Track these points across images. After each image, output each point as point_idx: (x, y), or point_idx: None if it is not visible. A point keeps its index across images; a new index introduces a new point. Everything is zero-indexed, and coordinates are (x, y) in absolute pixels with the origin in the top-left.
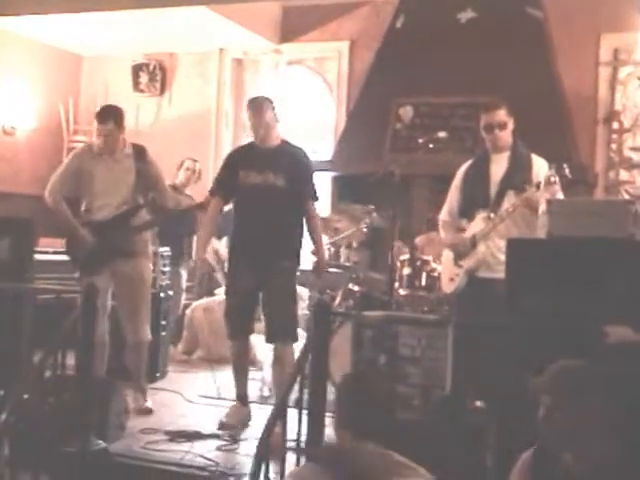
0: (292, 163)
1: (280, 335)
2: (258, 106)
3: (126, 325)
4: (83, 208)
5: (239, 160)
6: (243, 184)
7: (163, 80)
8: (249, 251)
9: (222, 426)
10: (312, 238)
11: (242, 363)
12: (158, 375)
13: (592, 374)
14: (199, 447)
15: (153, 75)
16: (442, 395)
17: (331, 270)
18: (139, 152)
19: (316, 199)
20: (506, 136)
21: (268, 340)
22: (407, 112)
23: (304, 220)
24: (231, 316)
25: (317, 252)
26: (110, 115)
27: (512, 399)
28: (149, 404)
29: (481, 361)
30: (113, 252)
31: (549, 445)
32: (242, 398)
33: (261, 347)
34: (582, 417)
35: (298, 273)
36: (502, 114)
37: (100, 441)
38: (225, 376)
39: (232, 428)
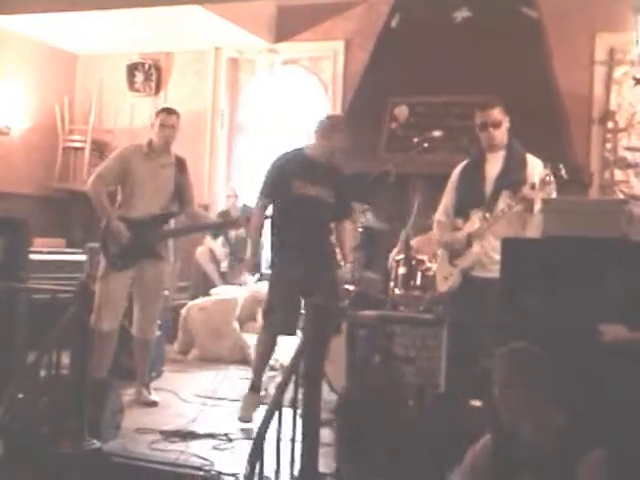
0: (339, 181)
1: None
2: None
3: (137, 322)
4: (118, 204)
5: (293, 168)
6: (298, 194)
7: (158, 79)
8: (294, 259)
9: (242, 419)
10: (339, 249)
11: (268, 356)
12: (154, 375)
13: (536, 353)
14: (194, 446)
15: (148, 74)
16: (437, 394)
17: None
18: (181, 163)
19: (350, 216)
20: (501, 135)
21: None
22: (402, 111)
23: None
24: (274, 306)
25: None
26: (174, 110)
27: None
28: (154, 397)
29: (476, 360)
30: (143, 251)
31: (505, 421)
32: (257, 388)
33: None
34: (531, 390)
35: None
36: (497, 113)
37: (95, 440)
38: (222, 376)
39: (248, 418)
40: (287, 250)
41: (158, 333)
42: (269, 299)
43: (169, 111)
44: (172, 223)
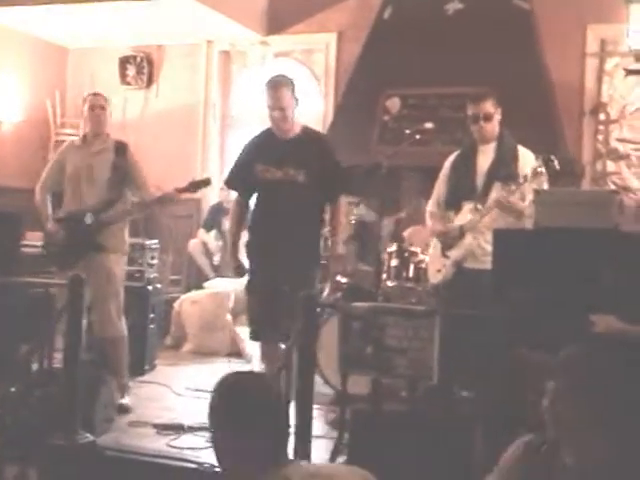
0: (312, 155)
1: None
2: (276, 85)
3: (93, 321)
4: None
5: (256, 152)
6: (262, 178)
7: (150, 72)
8: (269, 251)
9: None
10: (330, 234)
11: (272, 366)
12: (146, 368)
13: (608, 366)
14: (188, 440)
15: (140, 67)
16: (429, 385)
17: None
18: (121, 147)
19: (344, 191)
20: (492, 127)
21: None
22: (394, 104)
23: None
24: (252, 317)
25: (331, 249)
26: (100, 92)
27: (499, 389)
28: (125, 401)
29: (468, 351)
30: (84, 246)
31: (548, 435)
32: None
33: (248, 339)
34: (586, 411)
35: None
36: (489, 105)
37: (88, 434)
38: (215, 368)
39: None
40: (258, 250)
41: (151, 326)
42: (247, 308)
43: (95, 93)
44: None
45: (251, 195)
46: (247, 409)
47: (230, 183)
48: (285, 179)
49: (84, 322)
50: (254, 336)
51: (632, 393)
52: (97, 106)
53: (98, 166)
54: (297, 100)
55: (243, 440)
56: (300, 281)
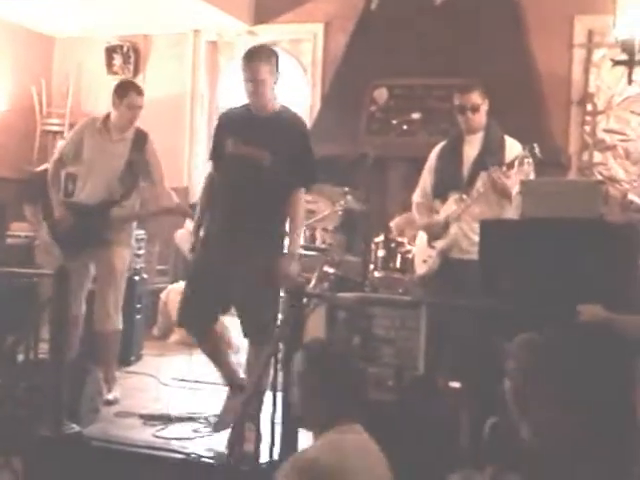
0: (282, 138)
1: (257, 335)
2: (252, 56)
3: (94, 313)
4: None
5: (229, 125)
6: (229, 154)
7: (137, 62)
8: (222, 233)
9: (215, 427)
10: (289, 229)
11: (218, 356)
12: (133, 359)
13: (559, 348)
14: (174, 430)
15: (127, 57)
16: (415, 375)
17: (306, 253)
18: (142, 138)
19: (305, 185)
20: (479, 118)
21: (244, 336)
22: (382, 94)
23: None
24: (187, 309)
25: (289, 246)
26: (142, 89)
27: (485, 379)
28: (111, 397)
29: (454, 341)
30: (90, 239)
31: (510, 413)
32: (236, 388)
33: (235, 330)
34: (541, 388)
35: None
36: (475, 96)
37: (74, 425)
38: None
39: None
40: (214, 229)
41: (137, 317)
42: (183, 290)
43: (139, 91)
44: (138, 203)
45: (220, 174)
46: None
47: (211, 157)
48: (249, 158)
49: (82, 312)
50: (185, 321)
51: (585, 373)
52: (137, 107)
53: (114, 157)
54: (278, 76)
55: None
56: (255, 274)
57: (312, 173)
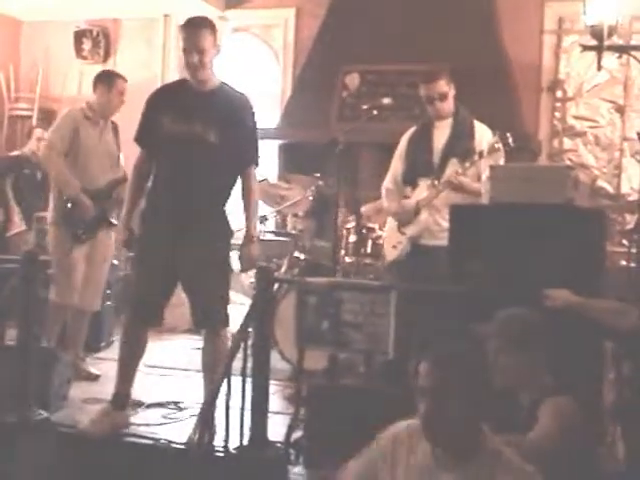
0: (229, 113)
1: (208, 320)
2: (195, 25)
3: (82, 292)
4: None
5: (165, 101)
6: (167, 133)
7: (107, 47)
8: (166, 219)
9: (82, 434)
10: (244, 209)
11: (134, 356)
12: (103, 345)
13: (530, 319)
14: (143, 416)
15: (96, 41)
16: (385, 360)
17: (277, 238)
18: (116, 127)
19: (256, 162)
20: (447, 105)
21: (195, 325)
22: (353, 80)
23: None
24: (136, 297)
25: (247, 228)
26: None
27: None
28: (96, 370)
29: (424, 326)
30: (103, 222)
31: (498, 386)
32: (121, 400)
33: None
34: (523, 356)
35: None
36: (442, 84)
37: (42, 411)
38: (174, 345)
39: (95, 436)
40: (155, 215)
41: (107, 303)
42: (132, 282)
43: (124, 78)
44: None
45: (157, 154)
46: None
47: (138, 139)
48: (192, 136)
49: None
50: (138, 318)
51: (560, 346)
52: (124, 93)
53: (108, 142)
54: (219, 48)
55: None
56: (202, 258)
57: (256, 150)
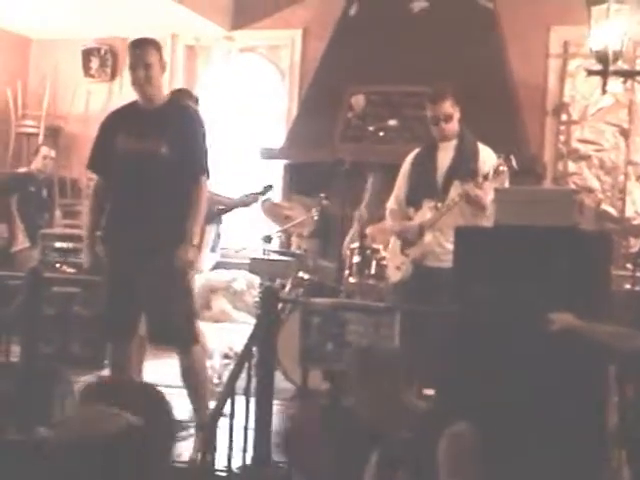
0: (178, 126)
1: (175, 339)
2: (141, 42)
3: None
4: None
5: (117, 123)
6: (121, 152)
7: (114, 65)
8: (124, 234)
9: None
10: (188, 215)
11: (128, 374)
12: (106, 362)
13: (382, 350)
14: None
15: (104, 60)
16: None
17: (281, 258)
18: None
19: (205, 172)
20: (452, 127)
21: (152, 343)
22: (359, 101)
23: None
24: (105, 316)
25: (185, 231)
26: None
27: (460, 386)
28: None
29: (428, 349)
30: None
31: (366, 420)
32: None
33: (209, 334)
34: (384, 387)
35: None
36: (447, 106)
37: (43, 429)
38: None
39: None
40: (114, 236)
41: None
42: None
43: None
44: None
45: (113, 176)
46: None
47: (92, 165)
48: (145, 152)
49: None
50: (107, 336)
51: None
52: None
53: None
54: (165, 65)
55: None
56: (162, 274)
57: (204, 160)
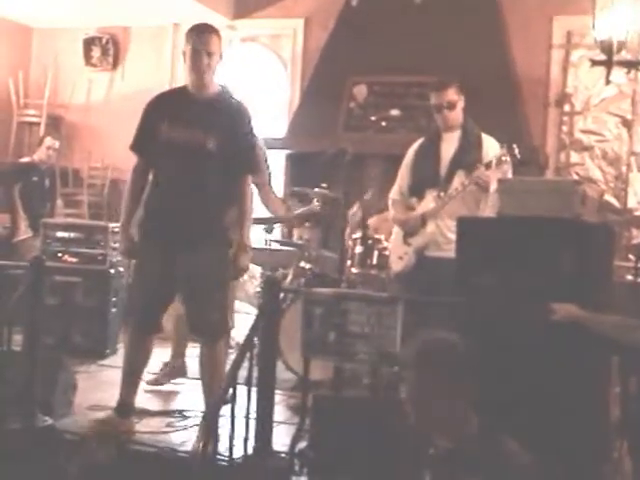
0: (227, 121)
1: (206, 331)
2: (206, 29)
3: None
4: None
5: (164, 107)
6: (165, 139)
7: (116, 54)
8: (164, 227)
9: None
10: (238, 218)
11: (139, 364)
12: (108, 352)
13: (458, 349)
14: (148, 424)
15: (105, 49)
16: (392, 372)
17: (283, 248)
18: None
19: (252, 171)
20: (456, 115)
21: (193, 334)
22: (361, 91)
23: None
24: (135, 307)
25: (240, 237)
26: None
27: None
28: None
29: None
30: None
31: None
32: (125, 408)
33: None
34: (447, 396)
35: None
36: (451, 93)
37: (47, 417)
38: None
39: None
40: (153, 223)
41: (113, 310)
42: (132, 291)
43: None
44: None
45: (155, 161)
46: None
47: (136, 146)
48: (192, 143)
49: None
50: (139, 327)
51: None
52: None
53: None
54: (222, 56)
55: None
56: (200, 267)
57: (251, 158)
